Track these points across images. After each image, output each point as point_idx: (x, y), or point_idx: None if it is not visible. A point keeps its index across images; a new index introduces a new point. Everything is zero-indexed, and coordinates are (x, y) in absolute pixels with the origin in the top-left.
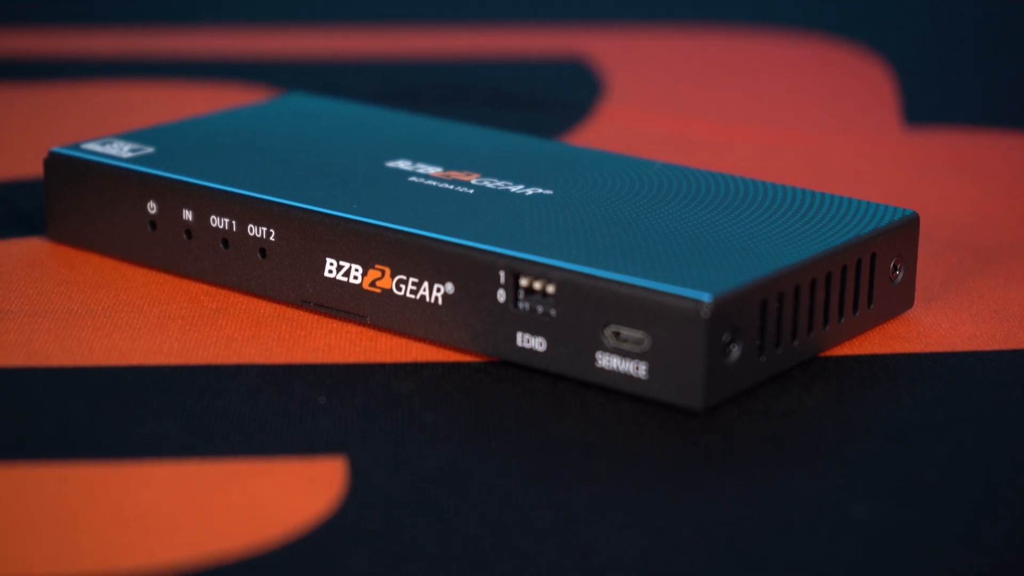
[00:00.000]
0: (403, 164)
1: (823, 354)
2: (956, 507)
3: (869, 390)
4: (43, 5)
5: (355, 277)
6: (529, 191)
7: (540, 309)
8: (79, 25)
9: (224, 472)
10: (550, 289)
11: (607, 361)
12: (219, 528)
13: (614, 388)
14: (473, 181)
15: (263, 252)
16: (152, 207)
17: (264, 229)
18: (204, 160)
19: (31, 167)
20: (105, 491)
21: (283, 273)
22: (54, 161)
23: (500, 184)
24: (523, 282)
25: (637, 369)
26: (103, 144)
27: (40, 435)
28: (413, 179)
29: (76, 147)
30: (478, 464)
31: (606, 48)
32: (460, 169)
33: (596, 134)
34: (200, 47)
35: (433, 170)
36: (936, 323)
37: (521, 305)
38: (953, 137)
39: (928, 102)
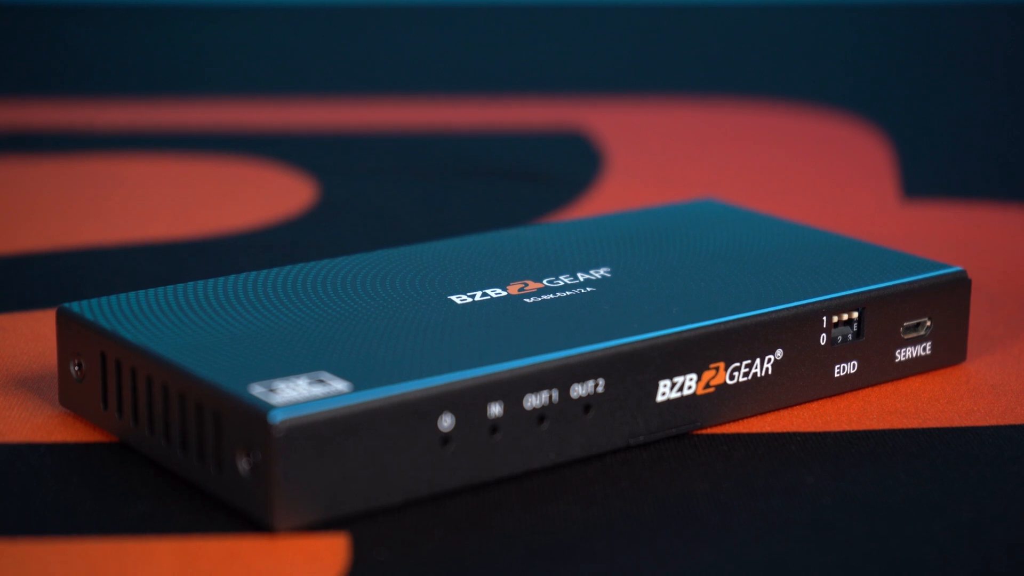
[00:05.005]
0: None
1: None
2: None
3: (867, 467)
4: (46, 76)
5: (689, 387)
6: None
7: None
8: (83, 96)
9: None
10: (854, 315)
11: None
12: None
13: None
14: None
15: (587, 408)
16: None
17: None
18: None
19: (27, 241)
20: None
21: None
22: None
23: None
24: (834, 319)
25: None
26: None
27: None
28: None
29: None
30: (479, 541)
31: (606, 121)
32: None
33: (597, 207)
34: (205, 119)
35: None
36: (934, 398)
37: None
38: (950, 211)
39: (925, 176)
